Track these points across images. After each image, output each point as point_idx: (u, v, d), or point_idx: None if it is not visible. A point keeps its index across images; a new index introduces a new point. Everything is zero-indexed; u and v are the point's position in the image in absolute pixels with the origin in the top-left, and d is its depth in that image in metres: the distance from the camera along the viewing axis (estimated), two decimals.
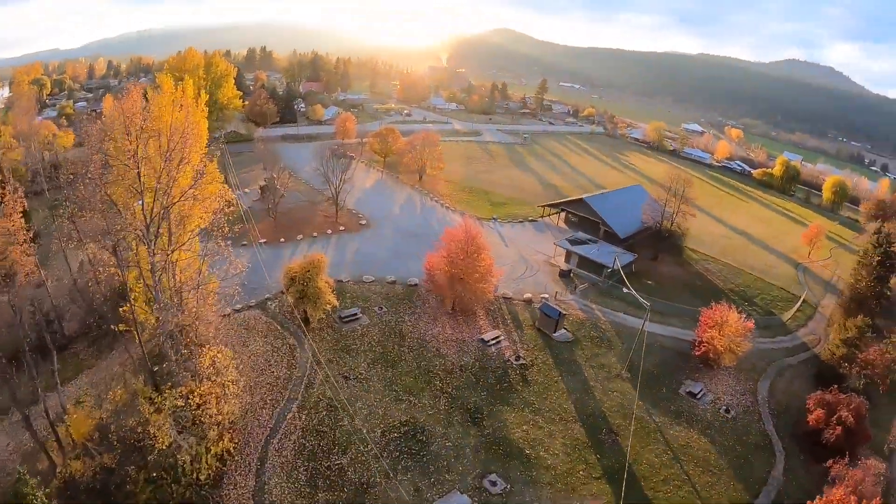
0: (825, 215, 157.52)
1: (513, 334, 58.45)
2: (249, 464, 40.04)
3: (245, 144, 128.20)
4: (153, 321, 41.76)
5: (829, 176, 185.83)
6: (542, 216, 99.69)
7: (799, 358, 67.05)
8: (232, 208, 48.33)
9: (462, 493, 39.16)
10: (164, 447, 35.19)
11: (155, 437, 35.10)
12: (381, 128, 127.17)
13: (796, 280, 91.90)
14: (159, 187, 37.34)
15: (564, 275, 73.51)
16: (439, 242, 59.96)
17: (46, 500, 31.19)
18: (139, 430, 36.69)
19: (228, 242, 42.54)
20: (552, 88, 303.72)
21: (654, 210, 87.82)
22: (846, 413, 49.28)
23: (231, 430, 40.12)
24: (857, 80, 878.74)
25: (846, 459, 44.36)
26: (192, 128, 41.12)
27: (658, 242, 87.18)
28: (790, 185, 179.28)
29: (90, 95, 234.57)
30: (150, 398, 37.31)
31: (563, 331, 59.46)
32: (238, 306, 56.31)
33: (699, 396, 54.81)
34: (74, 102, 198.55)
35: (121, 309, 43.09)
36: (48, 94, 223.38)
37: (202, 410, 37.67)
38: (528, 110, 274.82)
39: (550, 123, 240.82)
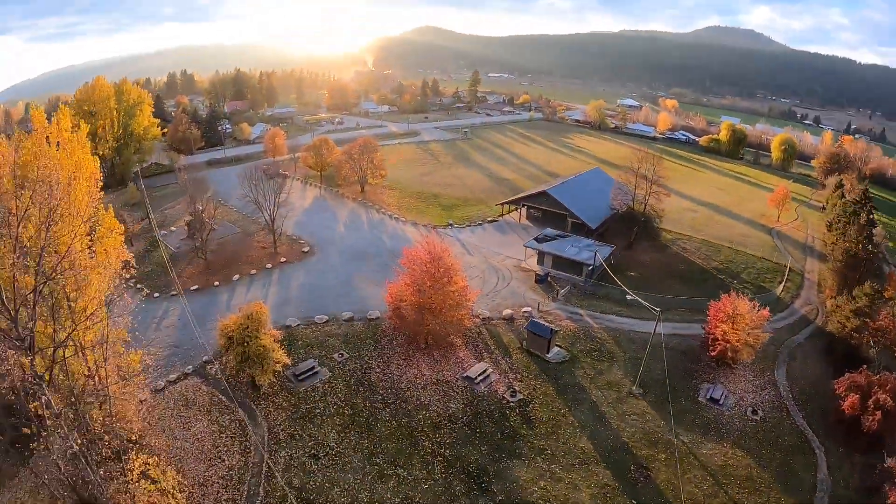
0: (778, 174, 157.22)
1: (501, 363, 49.57)
2: None
3: (169, 176, 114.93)
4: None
5: (776, 135, 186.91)
6: (501, 215, 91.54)
7: (804, 334, 61.83)
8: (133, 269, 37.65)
9: None
10: None
11: None
12: (313, 140, 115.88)
13: (774, 247, 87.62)
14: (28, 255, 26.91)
15: (541, 280, 65.44)
16: (399, 267, 50.44)
17: None
18: None
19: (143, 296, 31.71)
20: (482, 80, 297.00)
21: (624, 194, 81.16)
22: (884, 395, 43.73)
23: None
24: (778, 39, 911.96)
25: None
26: (76, 169, 30.93)
27: (631, 228, 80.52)
28: (738, 148, 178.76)
29: None
30: None
31: (556, 349, 51.23)
32: (172, 376, 45.79)
33: (722, 401, 47.76)
34: None
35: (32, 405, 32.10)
36: None
37: None
38: (463, 104, 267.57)
39: (488, 115, 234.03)
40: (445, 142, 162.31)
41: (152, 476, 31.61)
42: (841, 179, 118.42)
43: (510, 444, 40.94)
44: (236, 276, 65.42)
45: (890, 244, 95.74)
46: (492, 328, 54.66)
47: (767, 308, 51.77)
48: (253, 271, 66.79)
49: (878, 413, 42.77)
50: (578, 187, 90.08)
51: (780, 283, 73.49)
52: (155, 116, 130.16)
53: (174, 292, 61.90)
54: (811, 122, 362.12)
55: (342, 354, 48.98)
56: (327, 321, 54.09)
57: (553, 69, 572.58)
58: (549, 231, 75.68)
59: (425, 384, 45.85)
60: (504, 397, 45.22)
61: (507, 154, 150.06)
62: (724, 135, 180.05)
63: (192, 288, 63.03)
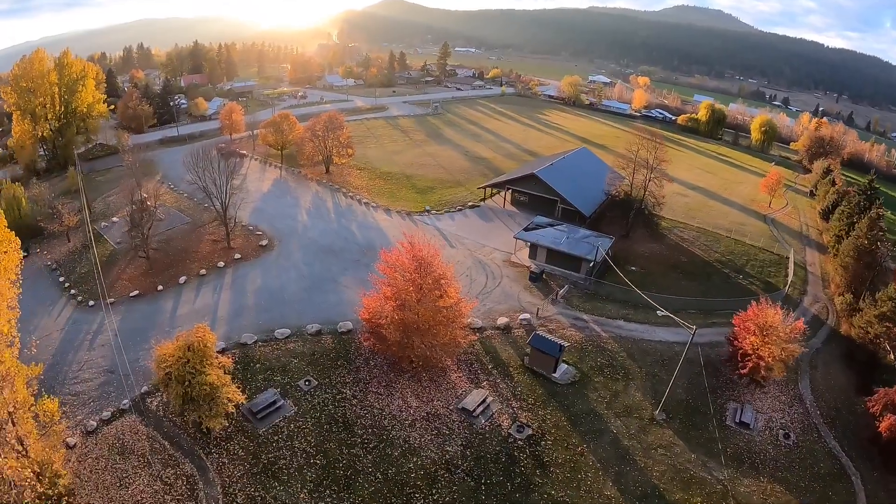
0: (759, 156, 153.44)
1: (501, 387, 41.62)
2: None
3: (115, 158, 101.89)
4: None
5: (754, 116, 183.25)
6: (483, 199, 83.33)
7: (821, 338, 55.95)
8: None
9: None
10: None
11: None
12: (273, 116, 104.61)
13: (771, 236, 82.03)
14: None
15: (535, 278, 57.67)
16: (375, 272, 41.51)
17: None
18: None
19: None
20: (451, 53, 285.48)
21: (620, 179, 73.97)
22: None
23: None
24: (745, 20, 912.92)
25: None
26: None
27: (627, 216, 73.50)
28: (717, 128, 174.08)
29: None
30: None
31: (563, 366, 43.75)
32: (106, 414, 36.84)
33: (752, 425, 41.45)
34: None
35: None
36: None
37: None
38: (431, 78, 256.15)
39: (458, 89, 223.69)
40: (415, 117, 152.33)
41: None
42: (829, 165, 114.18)
43: (524, 499, 33.11)
44: (183, 278, 55.79)
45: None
46: (486, 341, 46.61)
47: (802, 319, 45.31)
48: (202, 271, 57.19)
49: None
50: (567, 169, 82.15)
51: (786, 277, 67.87)
52: (108, 94, 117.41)
53: (112, 299, 52.51)
54: (780, 104, 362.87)
55: (309, 382, 40.11)
56: (290, 336, 45.08)
57: (521, 44, 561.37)
58: (540, 219, 67.89)
59: (413, 419, 37.53)
60: (510, 434, 37.36)
61: (481, 130, 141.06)
62: (703, 114, 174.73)
63: (131, 294, 53.55)
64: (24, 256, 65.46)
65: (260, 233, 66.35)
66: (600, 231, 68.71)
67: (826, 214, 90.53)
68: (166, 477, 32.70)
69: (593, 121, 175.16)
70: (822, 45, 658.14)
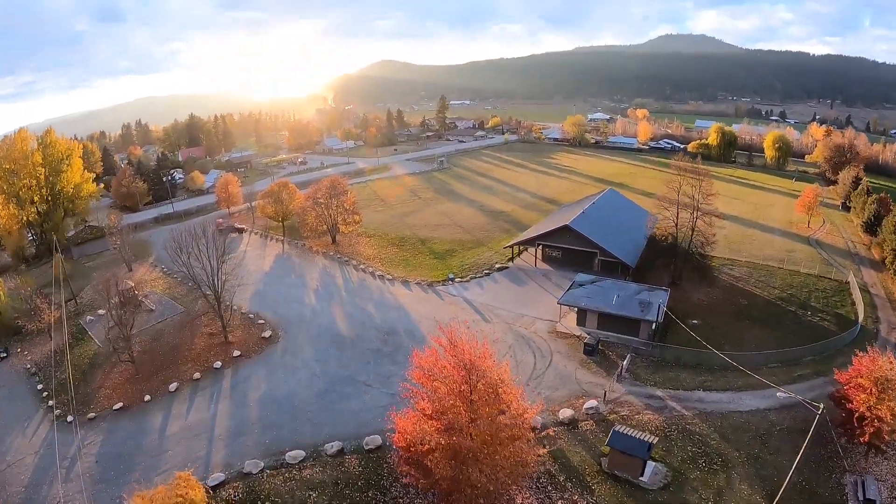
0: (777, 175, 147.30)
1: None
2: None
3: (105, 241, 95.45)
4: None
5: (763, 135, 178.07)
6: (511, 259, 74.98)
7: None
8: None
9: None
10: None
11: None
12: (271, 185, 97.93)
13: (822, 260, 74.40)
14: None
15: (591, 351, 48.41)
16: (405, 379, 31.54)
17: None
18: None
19: None
20: (448, 107, 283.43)
21: (657, 221, 66.16)
22: None
23: None
24: (729, 41, 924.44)
25: None
26: None
27: (672, 262, 65.19)
28: (730, 151, 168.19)
29: None
30: None
31: (651, 465, 34.44)
32: None
33: (878, 501, 32.17)
34: None
35: None
36: None
37: None
38: (432, 132, 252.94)
39: (461, 141, 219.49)
40: (421, 174, 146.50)
41: None
42: (857, 174, 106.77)
43: None
44: (174, 385, 47.33)
45: None
46: (550, 443, 37.32)
47: None
48: (196, 374, 48.71)
49: None
50: (600, 216, 74.17)
51: (852, 305, 59.98)
52: (104, 172, 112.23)
53: (93, 414, 44.42)
54: (777, 118, 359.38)
55: None
56: (305, 459, 35.91)
57: (514, 91, 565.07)
58: (583, 276, 59.28)
59: None
60: None
61: (492, 182, 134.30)
62: (713, 139, 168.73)
63: (115, 407, 45.35)
64: (3, 358, 58.39)
65: (262, 321, 57.99)
66: (645, 281, 60.39)
67: (869, 227, 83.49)
68: None
69: (603, 159, 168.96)
70: (808, 53, 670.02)
